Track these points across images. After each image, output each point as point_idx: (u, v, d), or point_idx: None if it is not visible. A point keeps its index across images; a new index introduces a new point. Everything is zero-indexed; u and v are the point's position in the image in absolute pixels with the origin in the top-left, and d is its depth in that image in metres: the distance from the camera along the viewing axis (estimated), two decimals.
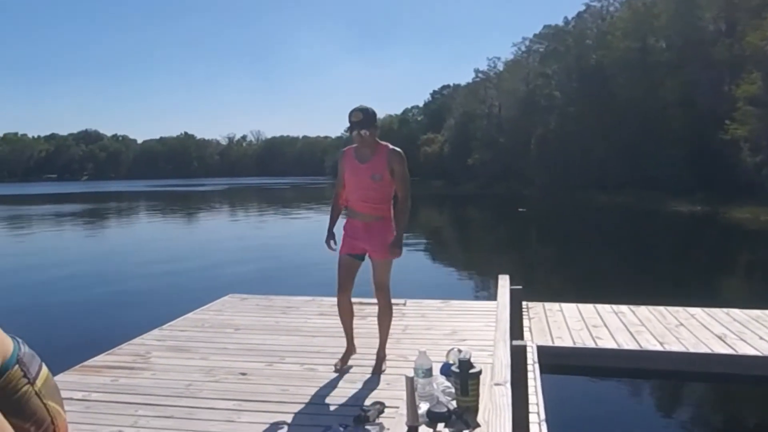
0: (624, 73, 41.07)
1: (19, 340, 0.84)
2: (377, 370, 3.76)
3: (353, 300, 4.00)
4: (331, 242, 3.90)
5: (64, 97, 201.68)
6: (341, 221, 3.96)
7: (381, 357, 3.87)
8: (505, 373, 1.66)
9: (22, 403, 0.78)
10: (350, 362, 3.94)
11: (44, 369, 0.87)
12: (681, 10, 37.76)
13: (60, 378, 3.77)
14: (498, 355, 1.83)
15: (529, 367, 3.32)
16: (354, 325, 4.05)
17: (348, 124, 3.72)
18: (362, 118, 3.66)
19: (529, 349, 3.28)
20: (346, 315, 3.96)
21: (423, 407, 2.87)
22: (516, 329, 3.64)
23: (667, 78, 37.15)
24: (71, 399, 3.40)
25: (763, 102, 28.24)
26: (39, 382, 0.83)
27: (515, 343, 2.32)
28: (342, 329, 4.04)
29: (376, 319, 3.96)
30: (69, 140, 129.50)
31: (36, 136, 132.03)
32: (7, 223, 27.40)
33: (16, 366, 0.80)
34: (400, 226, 3.73)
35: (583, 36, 51.54)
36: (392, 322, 3.98)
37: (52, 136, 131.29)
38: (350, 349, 3.99)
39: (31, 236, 21.41)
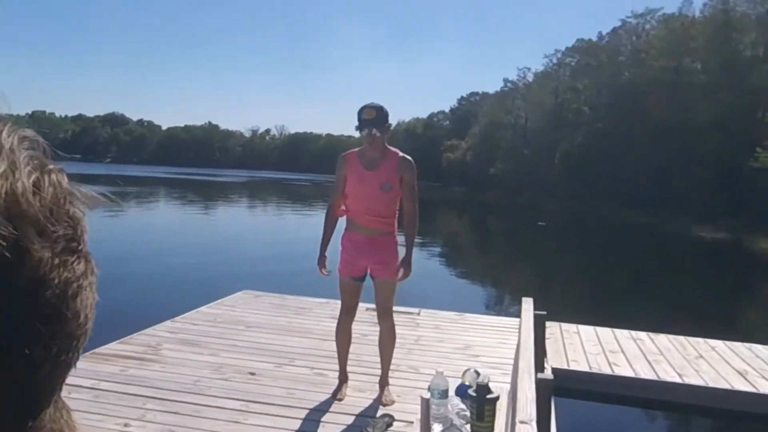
0: (657, 92, 40.60)
1: None
2: (383, 402, 3.45)
3: (367, 305, 3.91)
4: (324, 266, 3.46)
5: (93, 79, 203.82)
6: (338, 236, 3.52)
7: (383, 385, 3.57)
8: (530, 410, 1.57)
9: None
10: (361, 371, 3.88)
11: None
12: (719, 33, 37.31)
13: None
14: (523, 388, 1.75)
15: None
16: (367, 332, 3.99)
17: (357, 123, 3.35)
18: (375, 115, 3.29)
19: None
20: (345, 339, 3.59)
21: (436, 428, 2.80)
22: (539, 358, 3.53)
23: (700, 101, 36.61)
24: (80, 387, 3.40)
25: None
26: None
27: (540, 376, 2.22)
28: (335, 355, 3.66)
29: None
30: (95, 122, 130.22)
31: (63, 116, 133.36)
32: None
33: None
34: (410, 243, 3.38)
35: (617, 52, 51.08)
36: (405, 332, 3.91)
37: (79, 117, 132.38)
38: (344, 378, 3.65)
39: None
